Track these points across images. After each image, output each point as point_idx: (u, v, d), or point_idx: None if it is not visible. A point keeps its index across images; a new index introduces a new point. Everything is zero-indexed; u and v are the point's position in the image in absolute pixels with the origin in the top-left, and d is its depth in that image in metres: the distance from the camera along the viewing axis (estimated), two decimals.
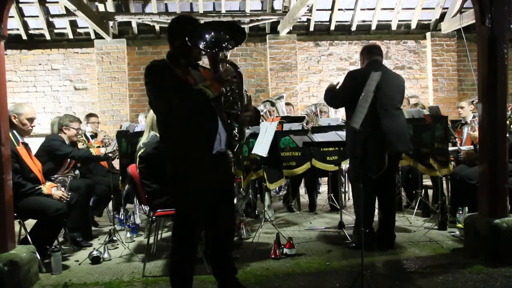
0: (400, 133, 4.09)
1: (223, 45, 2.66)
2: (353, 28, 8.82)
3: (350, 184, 6.56)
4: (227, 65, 2.71)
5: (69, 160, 4.93)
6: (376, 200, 4.34)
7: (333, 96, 4.23)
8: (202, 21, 2.88)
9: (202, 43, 2.63)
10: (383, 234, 4.24)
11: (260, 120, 6.34)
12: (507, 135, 3.92)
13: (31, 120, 4.10)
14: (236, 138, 2.87)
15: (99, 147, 5.39)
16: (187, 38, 2.63)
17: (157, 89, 2.75)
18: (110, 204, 5.40)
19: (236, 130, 2.84)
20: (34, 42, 8.51)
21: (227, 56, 2.75)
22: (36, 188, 3.94)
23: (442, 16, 8.78)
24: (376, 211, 4.37)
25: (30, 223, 4.02)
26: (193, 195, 2.80)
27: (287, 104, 7.37)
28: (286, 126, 5.62)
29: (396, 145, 4.05)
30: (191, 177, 2.79)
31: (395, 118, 4.07)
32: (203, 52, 2.79)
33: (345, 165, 5.67)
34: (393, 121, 4.05)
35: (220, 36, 2.64)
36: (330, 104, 4.74)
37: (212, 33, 2.64)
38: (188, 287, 2.91)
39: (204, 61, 3.03)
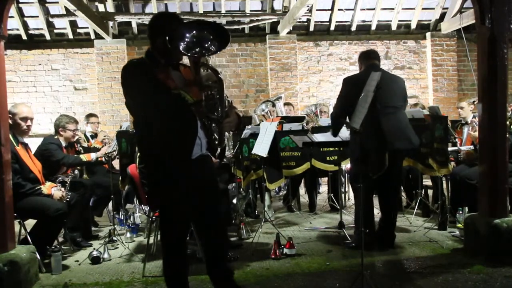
0: (398, 131, 4.07)
1: (205, 45, 2.53)
2: (353, 28, 8.82)
3: (348, 185, 6.58)
4: (208, 70, 2.64)
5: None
6: (377, 200, 4.33)
7: (336, 109, 4.23)
8: (185, 20, 2.77)
9: (183, 45, 2.50)
10: (383, 234, 4.24)
11: (261, 120, 6.35)
12: (507, 135, 3.92)
13: (25, 119, 4.07)
14: (216, 142, 2.78)
15: (87, 152, 5.33)
16: (167, 40, 2.53)
17: (134, 90, 2.66)
18: (110, 204, 5.40)
19: (216, 135, 2.76)
20: (34, 42, 8.51)
21: (209, 61, 2.70)
22: (36, 188, 3.94)
23: (442, 16, 8.78)
24: (377, 210, 4.37)
25: (30, 223, 4.01)
26: (173, 199, 2.74)
27: (287, 104, 7.37)
28: (286, 126, 5.62)
29: (393, 142, 4.01)
30: (170, 182, 2.71)
31: (393, 117, 4.06)
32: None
33: (345, 165, 5.67)
34: (391, 119, 4.04)
35: (203, 36, 2.52)
36: (334, 119, 4.41)
37: (194, 33, 2.51)
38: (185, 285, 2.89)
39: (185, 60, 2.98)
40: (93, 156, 4.99)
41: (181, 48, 2.50)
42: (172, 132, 2.67)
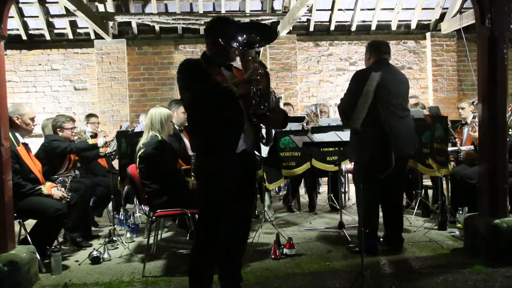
0: (409, 136, 3.99)
1: (253, 42, 2.70)
2: (353, 28, 8.82)
3: (349, 185, 6.57)
4: (256, 64, 2.73)
5: (68, 161, 4.92)
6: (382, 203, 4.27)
7: (342, 103, 4.03)
8: (239, 22, 3.00)
9: (233, 42, 2.68)
10: (391, 237, 4.15)
11: None
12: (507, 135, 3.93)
13: (33, 119, 4.15)
14: (264, 140, 2.90)
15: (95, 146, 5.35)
16: (219, 39, 2.71)
17: (187, 85, 2.81)
18: (110, 204, 5.40)
19: (263, 132, 2.88)
20: (34, 42, 8.51)
21: (259, 55, 2.81)
22: (36, 188, 3.94)
23: (442, 16, 8.78)
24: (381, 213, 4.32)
25: (30, 223, 4.02)
26: (215, 191, 2.82)
27: (287, 104, 7.38)
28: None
29: (404, 148, 3.94)
30: (214, 173, 2.82)
31: (403, 120, 3.95)
32: (236, 52, 2.84)
33: (345, 165, 5.67)
34: (402, 122, 3.93)
35: (251, 37, 2.70)
36: (343, 115, 4.21)
37: (244, 33, 2.70)
38: (208, 285, 2.93)
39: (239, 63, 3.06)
40: (100, 140, 4.98)
41: (231, 44, 2.69)
42: (219, 124, 2.78)
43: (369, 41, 4.27)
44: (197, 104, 2.80)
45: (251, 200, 3.12)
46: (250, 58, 2.74)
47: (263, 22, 8.29)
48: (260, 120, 2.79)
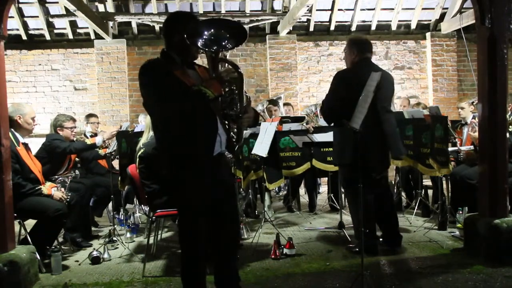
0: (390, 136, 3.96)
1: (223, 43, 2.58)
2: (353, 28, 8.82)
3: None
4: (227, 65, 2.65)
5: (68, 161, 4.92)
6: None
7: (325, 105, 4.01)
8: (201, 18, 2.81)
9: (201, 41, 2.55)
10: (389, 236, 4.16)
11: (260, 120, 6.34)
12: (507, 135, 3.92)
13: (33, 119, 4.17)
14: (234, 140, 2.81)
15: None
16: (185, 36, 2.56)
17: (155, 89, 2.67)
18: (110, 204, 5.40)
19: (235, 132, 2.78)
20: (34, 42, 8.51)
21: (227, 56, 2.72)
22: (36, 188, 3.94)
23: (442, 16, 8.78)
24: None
25: (30, 223, 4.02)
26: (196, 197, 2.73)
27: (286, 104, 7.38)
28: (286, 126, 5.61)
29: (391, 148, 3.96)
30: (194, 179, 2.72)
31: (385, 121, 3.92)
32: (201, 51, 2.71)
33: None
34: (384, 124, 3.90)
35: (220, 35, 2.57)
36: (327, 117, 4.24)
37: (212, 31, 2.56)
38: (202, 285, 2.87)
39: (202, 61, 3.00)
40: (98, 139, 5.00)
41: (199, 44, 2.54)
42: (194, 130, 2.68)
43: (351, 37, 4.18)
44: (167, 110, 2.66)
45: (234, 198, 3.06)
46: (221, 58, 2.63)
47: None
48: (232, 121, 2.71)
